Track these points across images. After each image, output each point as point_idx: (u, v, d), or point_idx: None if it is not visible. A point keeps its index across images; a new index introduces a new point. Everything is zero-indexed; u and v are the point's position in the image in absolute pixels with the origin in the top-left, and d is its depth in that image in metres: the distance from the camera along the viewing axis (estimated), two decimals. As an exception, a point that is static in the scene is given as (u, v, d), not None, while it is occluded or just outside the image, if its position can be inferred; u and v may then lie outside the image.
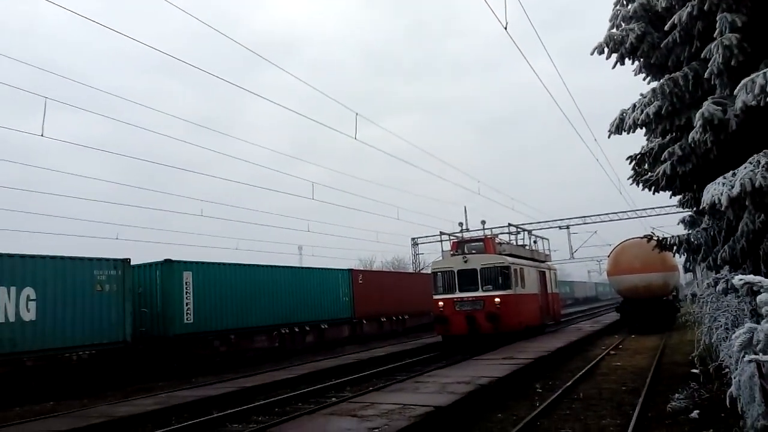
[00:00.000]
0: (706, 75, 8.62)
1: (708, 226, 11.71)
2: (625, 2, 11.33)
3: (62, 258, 16.14)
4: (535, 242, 28.19)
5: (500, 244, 23.24)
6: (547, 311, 25.34)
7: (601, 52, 10.83)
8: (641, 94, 10.38)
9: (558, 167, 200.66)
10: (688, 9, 8.92)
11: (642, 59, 11.00)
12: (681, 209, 15.86)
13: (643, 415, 9.24)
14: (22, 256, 15.20)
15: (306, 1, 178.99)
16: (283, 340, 23.06)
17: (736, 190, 7.29)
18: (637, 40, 10.44)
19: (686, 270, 26.06)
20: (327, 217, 74.23)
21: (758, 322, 5.58)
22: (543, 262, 26.97)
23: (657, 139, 11.64)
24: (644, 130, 11.28)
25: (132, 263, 18.10)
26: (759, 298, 5.49)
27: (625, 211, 41.23)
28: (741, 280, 5.89)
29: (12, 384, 14.37)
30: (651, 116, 9.93)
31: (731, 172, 7.64)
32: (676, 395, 10.24)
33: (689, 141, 8.97)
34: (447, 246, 25.23)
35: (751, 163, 7.41)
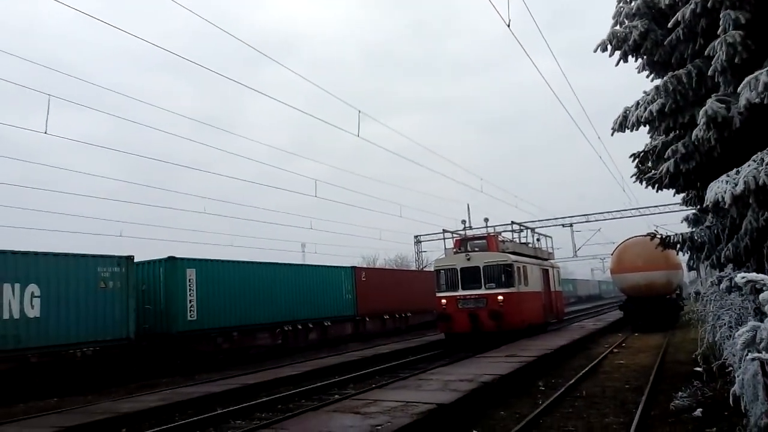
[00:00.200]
0: (709, 72, 8.58)
1: (711, 224, 11.68)
2: (628, -1, 11.29)
3: (66, 255, 16.19)
4: (538, 240, 28.18)
5: (503, 242, 23.22)
6: (550, 309, 25.33)
7: (604, 50, 10.80)
8: (644, 92, 10.36)
9: (561, 165, 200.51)
10: (692, 6, 8.88)
11: (645, 56, 10.97)
12: (684, 207, 15.83)
13: (646, 414, 9.24)
14: (26, 253, 15.26)
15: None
16: (286, 338, 23.10)
17: (739, 188, 7.27)
18: (641, 38, 10.40)
19: (690, 268, 25.98)
20: (330, 214, 74.40)
21: (762, 320, 5.56)
22: (546, 260, 26.95)
23: (660, 137, 11.62)
24: (648, 127, 11.23)
25: (135, 260, 18.15)
26: (762, 296, 5.47)
27: (628, 209, 41.23)
28: (744, 278, 5.87)
29: (16, 380, 14.44)
30: (654, 114, 9.90)
31: (735, 170, 7.62)
32: (680, 393, 10.22)
33: (693, 139, 8.94)
34: (450, 244, 25.25)
35: (754, 160, 7.39)
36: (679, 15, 9.22)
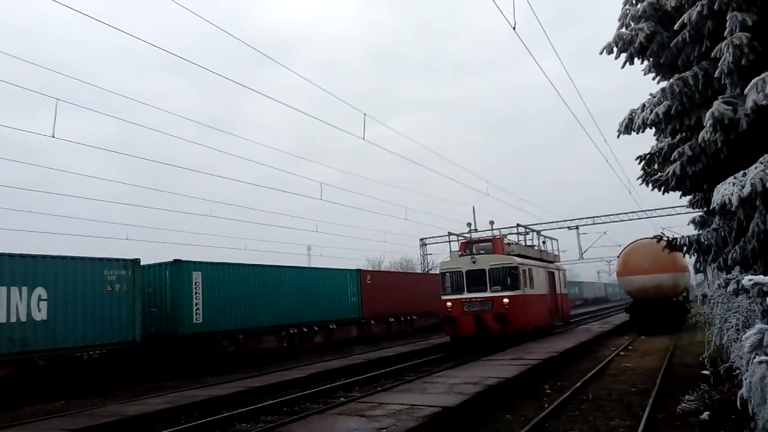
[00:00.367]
0: (716, 74, 8.56)
1: (718, 227, 11.63)
2: (634, 1, 11.25)
3: (73, 258, 16.28)
4: (543, 243, 28.11)
5: (509, 244, 23.18)
6: (556, 312, 25.26)
7: (610, 52, 10.78)
8: (651, 94, 10.33)
9: (566, 168, 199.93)
10: (698, 8, 8.86)
11: (651, 59, 10.94)
12: (691, 209, 15.75)
13: (652, 417, 9.20)
14: (34, 257, 15.34)
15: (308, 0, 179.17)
16: (291, 341, 23.12)
17: (746, 191, 7.24)
18: (647, 40, 10.38)
19: (696, 271, 25.93)
20: (335, 217, 74.29)
21: (769, 323, 5.53)
22: (552, 262, 26.88)
23: (667, 139, 11.58)
24: (654, 130, 11.21)
25: (141, 263, 18.22)
26: (770, 299, 5.45)
27: (635, 212, 41.03)
28: (751, 280, 5.86)
29: (24, 383, 14.52)
30: (661, 116, 9.87)
31: (742, 172, 7.59)
32: (687, 397, 10.17)
33: (699, 141, 8.91)
34: (455, 246, 25.21)
35: (762, 163, 7.36)
36: (685, 17, 9.20)
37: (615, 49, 10.73)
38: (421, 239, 46.49)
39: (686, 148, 9.98)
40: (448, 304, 21.23)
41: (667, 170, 10.82)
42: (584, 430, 8.82)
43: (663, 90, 9.81)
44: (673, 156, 10.42)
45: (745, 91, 7.53)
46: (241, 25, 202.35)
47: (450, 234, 28.95)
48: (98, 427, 10.13)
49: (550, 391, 12.35)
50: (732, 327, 9.42)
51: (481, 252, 21.87)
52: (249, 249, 42.24)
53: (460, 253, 22.89)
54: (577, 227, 43.18)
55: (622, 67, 10.93)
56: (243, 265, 22.29)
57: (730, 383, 9.60)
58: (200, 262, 20.12)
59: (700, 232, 12.86)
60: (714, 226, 12.15)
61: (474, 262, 21.02)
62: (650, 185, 12.25)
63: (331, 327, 25.51)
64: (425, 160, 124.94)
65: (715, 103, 8.35)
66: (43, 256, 15.57)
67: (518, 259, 21.41)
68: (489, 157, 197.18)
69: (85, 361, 15.90)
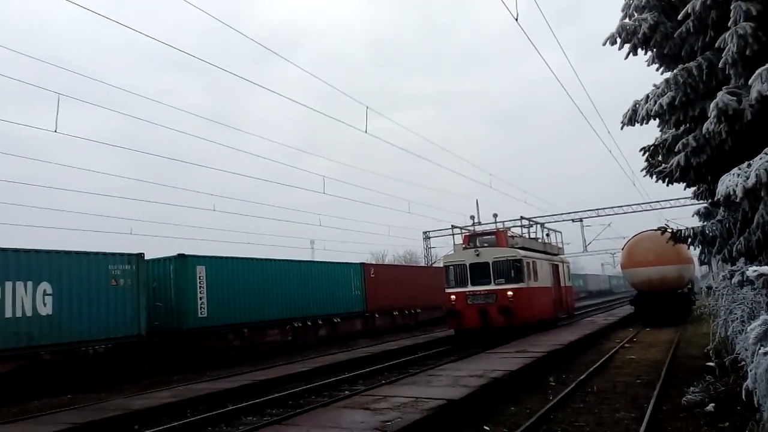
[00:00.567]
0: (720, 65, 8.49)
1: (723, 218, 11.58)
2: (637, -8, 11.19)
3: (77, 253, 16.33)
4: (547, 235, 28.09)
5: (513, 237, 23.15)
6: (561, 304, 25.25)
7: (613, 43, 10.71)
8: (654, 85, 10.26)
9: (570, 160, 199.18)
10: (702, -2, 8.80)
11: (655, 49, 10.87)
12: (695, 201, 15.67)
13: (657, 409, 9.19)
14: (38, 251, 15.41)
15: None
16: (295, 334, 23.19)
17: (751, 181, 7.20)
18: (650, 30, 10.31)
19: (701, 262, 25.80)
20: (338, 211, 74.38)
21: (774, 315, 5.52)
22: (556, 255, 26.86)
23: (671, 130, 11.52)
24: (658, 121, 11.13)
25: (146, 258, 18.27)
26: (775, 290, 5.43)
27: (639, 204, 40.94)
28: (756, 271, 5.84)
29: (30, 377, 14.62)
30: (664, 107, 9.81)
31: (746, 163, 7.54)
32: (692, 388, 10.15)
33: (703, 132, 8.86)
34: (459, 239, 25.24)
35: (766, 153, 7.32)
36: (689, 7, 9.13)
37: (618, 40, 10.66)
38: (425, 233, 46.51)
39: (690, 139, 9.93)
40: (452, 297, 21.24)
41: (671, 161, 10.77)
42: (589, 422, 8.82)
43: (667, 81, 9.75)
44: (677, 147, 10.37)
45: (750, 81, 7.48)
46: (245, 21, 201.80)
47: (453, 227, 28.94)
48: (104, 421, 10.18)
49: (555, 383, 12.37)
50: (737, 318, 9.40)
51: (485, 245, 21.86)
52: (253, 243, 42.31)
53: (463, 246, 22.90)
54: (581, 219, 43.11)
55: (626, 57, 10.86)
56: (247, 259, 22.34)
57: (735, 375, 9.59)
58: (204, 257, 20.17)
59: (705, 223, 12.82)
60: (719, 217, 12.11)
61: (478, 255, 21.01)
62: (654, 177, 12.21)
63: (335, 320, 25.57)
64: (428, 153, 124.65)
65: (720, 94, 8.30)
66: (48, 251, 15.63)
67: (522, 252, 21.39)
68: (493, 150, 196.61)
69: (90, 355, 15.99)
